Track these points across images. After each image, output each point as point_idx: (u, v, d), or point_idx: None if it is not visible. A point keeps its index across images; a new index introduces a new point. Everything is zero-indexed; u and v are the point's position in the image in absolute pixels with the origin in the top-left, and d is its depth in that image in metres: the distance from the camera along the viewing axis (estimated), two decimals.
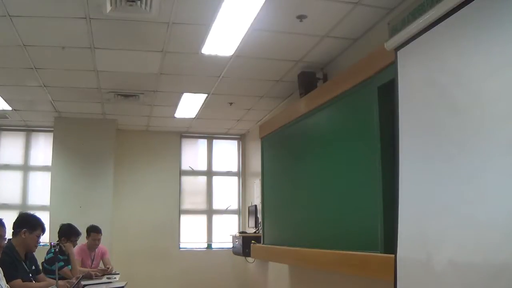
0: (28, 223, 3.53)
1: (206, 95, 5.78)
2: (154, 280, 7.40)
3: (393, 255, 2.59)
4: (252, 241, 5.98)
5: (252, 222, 6.91)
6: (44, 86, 5.40)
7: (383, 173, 3.09)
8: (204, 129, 7.84)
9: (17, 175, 7.30)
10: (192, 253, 7.89)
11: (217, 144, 8.30)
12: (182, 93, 5.75)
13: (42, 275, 3.81)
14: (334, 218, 3.78)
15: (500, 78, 1.93)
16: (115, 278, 5.08)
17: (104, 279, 4.97)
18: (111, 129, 7.19)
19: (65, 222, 5.03)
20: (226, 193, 8.22)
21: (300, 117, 4.58)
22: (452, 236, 2.12)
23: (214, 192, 8.18)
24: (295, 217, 4.61)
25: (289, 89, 5.48)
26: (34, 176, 7.35)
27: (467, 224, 2.04)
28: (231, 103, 6.16)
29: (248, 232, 6.83)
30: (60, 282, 3.64)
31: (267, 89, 5.59)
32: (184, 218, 7.95)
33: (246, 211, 7.66)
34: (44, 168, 7.26)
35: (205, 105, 6.21)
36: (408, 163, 2.54)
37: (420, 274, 2.33)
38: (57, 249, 4.04)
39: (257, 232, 6.47)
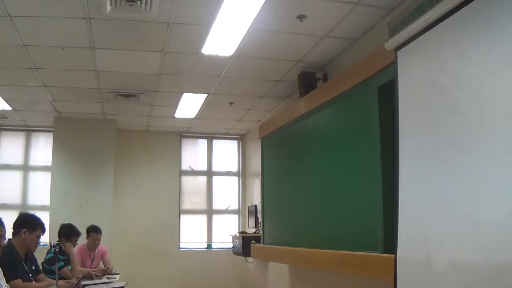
0: (28, 223, 3.53)
1: (206, 95, 5.78)
2: (154, 280, 7.40)
3: (393, 255, 2.60)
4: (252, 241, 5.98)
5: (252, 222, 6.92)
6: (44, 86, 5.40)
7: (383, 173, 3.09)
8: (204, 129, 7.84)
9: (17, 175, 7.30)
10: (192, 253, 7.89)
11: (217, 144, 8.30)
12: (182, 93, 5.75)
13: (42, 275, 3.81)
14: (334, 218, 3.78)
15: (500, 78, 1.93)
16: (115, 278, 5.08)
17: (104, 279, 4.97)
18: (111, 129, 7.19)
19: (65, 222, 5.03)
20: (226, 193, 8.22)
21: (300, 117, 4.58)
22: (452, 236, 2.12)
23: (214, 192, 8.18)
24: (295, 217, 4.61)
25: (289, 89, 5.48)
26: (34, 176, 7.35)
27: (467, 224, 2.04)
28: (231, 103, 6.16)
29: (248, 232, 6.83)
30: (60, 282, 3.64)
31: (267, 89, 5.59)
32: (184, 218, 7.95)
33: (246, 211, 7.66)
34: (44, 168, 7.26)
35: (205, 105, 6.21)
36: (408, 163, 2.54)
37: (420, 274, 2.33)
38: (57, 249, 4.04)
39: (257, 232, 6.47)
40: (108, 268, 5.40)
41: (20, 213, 3.81)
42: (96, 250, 5.60)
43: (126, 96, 5.76)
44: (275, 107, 6.25)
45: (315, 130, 4.33)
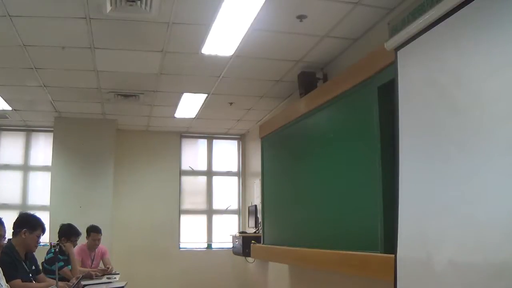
0: (28, 223, 3.53)
1: (206, 95, 5.78)
2: (154, 280, 7.40)
3: (393, 255, 2.60)
4: (252, 241, 5.98)
5: (252, 222, 6.92)
6: (44, 86, 5.40)
7: (383, 173, 3.09)
8: (204, 129, 7.84)
9: (17, 175, 7.30)
10: (192, 253, 7.89)
11: (217, 144, 8.30)
12: (182, 93, 5.75)
13: (42, 275, 3.81)
14: (334, 218, 3.78)
15: (500, 78, 1.93)
16: (115, 278, 5.08)
17: (104, 279, 4.97)
18: (111, 129, 7.19)
19: (65, 222, 5.03)
20: (226, 193, 8.22)
21: (300, 117, 4.58)
22: (452, 236, 2.12)
23: (214, 192, 8.18)
24: (295, 217, 4.61)
25: (289, 89, 5.48)
26: (34, 176, 7.36)
27: (467, 224, 2.04)
28: (231, 103, 6.16)
29: (248, 232, 6.83)
30: (60, 284, 3.64)
31: (267, 89, 5.59)
32: (184, 218, 7.95)
33: (246, 211, 7.66)
34: (44, 168, 7.26)
35: (205, 105, 6.21)
36: (408, 163, 2.54)
37: (420, 274, 2.33)
38: (57, 249, 4.04)
39: (257, 232, 6.47)
40: (108, 268, 5.40)
41: (20, 213, 3.81)
42: (96, 250, 5.60)
43: (126, 96, 5.76)
44: (275, 107, 6.25)
45: (315, 130, 4.33)
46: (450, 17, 2.24)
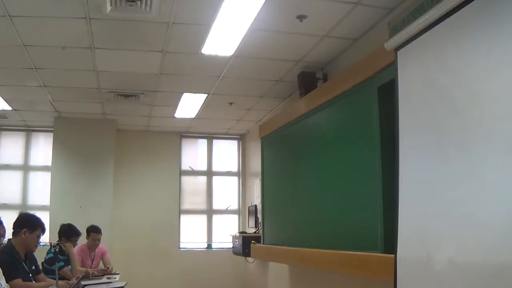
0: (28, 223, 3.53)
1: (206, 95, 5.78)
2: (154, 280, 7.40)
3: (393, 255, 2.60)
4: (252, 241, 5.98)
5: (252, 222, 6.91)
6: (44, 86, 5.40)
7: (383, 173, 3.09)
8: (204, 129, 7.84)
9: (17, 175, 7.30)
10: (192, 253, 7.89)
11: (217, 144, 8.30)
12: (182, 93, 5.75)
13: (42, 275, 3.81)
14: (334, 218, 3.78)
15: (500, 78, 1.93)
16: (115, 278, 5.08)
17: (104, 279, 4.96)
18: (111, 129, 7.19)
19: (65, 222, 5.03)
20: (226, 193, 8.22)
21: (300, 117, 4.58)
22: (452, 236, 2.12)
23: (214, 192, 8.18)
24: (295, 217, 4.61)
25: (289, 89, 5.48)
26: (34, 176, 7.36)
27: (467, 223, 2.04)
28: (231, 103, 6.16)
29: (248, 232, 6.83)
30: (60, 283, 3.64)
31: (267, 89, 5.59)
32: (184, 218, 7.95)
33: (246, 211, 7.66)
34: (44, 168, 7.26)
35: (205, 105, 6.21)
36: (408, 163, 2.54)
37: (420, 274, 2.33)
38: (57, 249, 4.04)
39: (257, 232, 6.47)
40: (108, 268, 5.40)
41: (20, 213, 3.81)
42: (96, 250, 5.60)
43: (126, 96, 5.76)
44: (275, 107, 6.25)
45: (315, 130, 4.33)
46: (450, 17, 2.24)
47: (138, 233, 7.44)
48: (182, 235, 7.89)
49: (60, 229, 4.93)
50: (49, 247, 4.78)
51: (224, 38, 4.00)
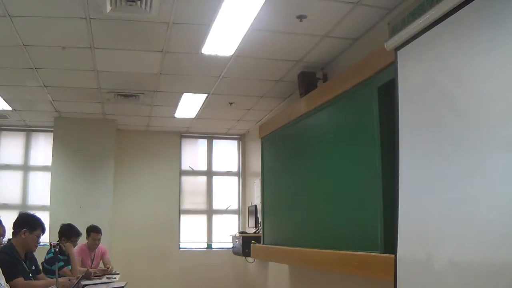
0: (28, 223, 3.53)
1: (206, 95, 5.78)
2: (154, 280, 7.39)
3: (393, 255, 2.60)
4: (252, 241, 5.98)
5: (252, 222, 6.91)
6: (44, 86, 5.40)
7: (383, 173, 3.09)
8: (204, 129, 7.84)
9: (17, 175, 7.30)
10: (192, 253, 7.89)
11: (217, 144, 8.30)
12: (182, 93, 5.75)
13: (42, 275, 3.81)
14: (334, 218, 3.78)
15: (500, 78, 1.93)
16: (115, 278, 5.08)
17: (104, 279, 4.96)
18: (111, 129, 7.19)
19: (65, 222, 5.03)
20: (226, 193, 8.22)
21: (300, 117, 4.58)
22: (452, 236, 2.12)
23: (214, 192, 8.18)
24: (295, 217, 4.61)
25: (289, 89, 5.48)
26: (34, 176, 7.36)
27: (467, 223, 2.04)
28: (231, 103, 6.16)
29: (248, 232, 6.83)
30: (62, 279, 3.64)
31: (267, 89, 5.59)
32: (184, 218, 7.95)
33: (246, 211, 7.66)
34: (44, 168, 7.26)
35: (205, 105, 6.21)
36: (408, 163, 2.54)
37: (420, 274, 2.33)
38: (57, 249, 4.05)
39: (257, 232, 6.47)
40: (108, 268, 5.39)
41: (20, 213, 3.80)
42: (96, 250, 5.60)
43: (126, 96, 5.76)
44: (275, 107, 6.25)
45: (315, 130, 4.33)
46: (450, 17, 2.24)
47: (138, 233, 7.44)
48: (182, 235, 7.89)
49: (60, 229, 4.93)
50: (49, 247, 4.78)
51: (224, 38, 4.00)
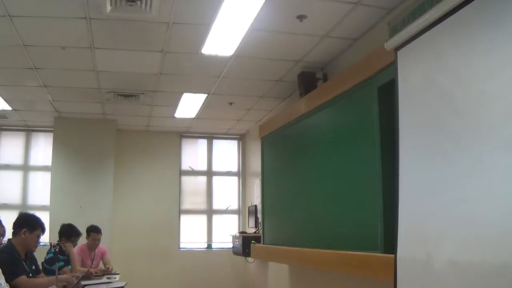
0: (28, 223, 3.53)
1: (206, 95, 5.78)
2: (154, 280, 7.39)
3: (393, 255, 2.60)
4: (252, 241, 5.98)
5: (252, 222, 6.91)
6: (44, 86, 5.40)
7: (383, 173, 3.09)
8: (204, 129, 7.84)
9: (17, 175, 7.30)
10: (192, 253, 7.89)
11: (217, 144, 8.30)
12: (182, 93, 5.75)
13: (42, 275, 3.81)
14: (334, 218, 3.78)
15: (500, 78, 1.93)
16: (115, 278, 5.07)
17: (104, 279, 4.96)
18: (111, 129, 7.19)
19: (65, 222, 5.03)
20: (226, 193, 8.22)
21: (300, 117, 4.58)
22: (452, 235, 2.12)
23: (214, 192, 8.18)
24: (295, 217, 4.61)
25: (289, 89, 5.48)
26: (34, 176, 7.36)
27: (467, 223, 2.04)
28: (231, 103, 6.16)
29: (248, 232, 6.83)
30: (65, 275, 3.64)
31: (267, 89, 5.59)
32: (184, 218, 7.95)
33: (246, 211, 7.66)
34: (44, 168, 7.26)
35: (205, 105, 6.21)
36: (408, 163, 2.54)
37: (420, 274, 2.33)
38: (57, 249, 4.04)
39: (257, 232, 6.47)
40: (108, 268, 5.39)
41: (20, 213, 3.81)
42: (96, 250, 5.60)
43: (126, 96, 5.76)
44: (275, 107, 6.25)
45: (315, 130, 4.33)
46: (450, 17, 2.25)
47: (138, 233, 7.44)
48: (182, 235, 7.89)
49: (60, 229, 4.93)
50: (49, 247, 4.78)
51: (224, 38, 4.00)
